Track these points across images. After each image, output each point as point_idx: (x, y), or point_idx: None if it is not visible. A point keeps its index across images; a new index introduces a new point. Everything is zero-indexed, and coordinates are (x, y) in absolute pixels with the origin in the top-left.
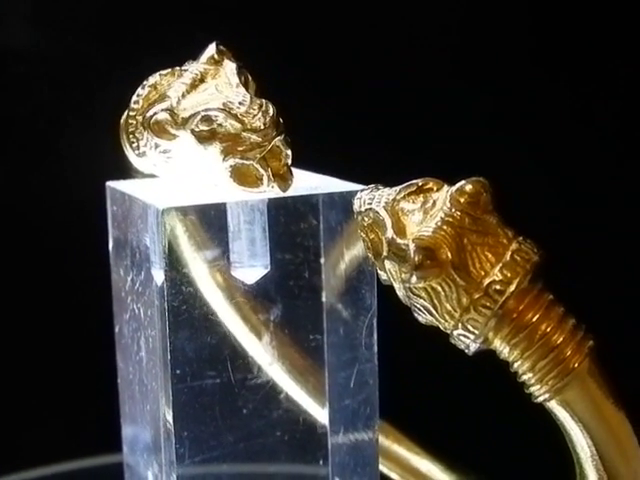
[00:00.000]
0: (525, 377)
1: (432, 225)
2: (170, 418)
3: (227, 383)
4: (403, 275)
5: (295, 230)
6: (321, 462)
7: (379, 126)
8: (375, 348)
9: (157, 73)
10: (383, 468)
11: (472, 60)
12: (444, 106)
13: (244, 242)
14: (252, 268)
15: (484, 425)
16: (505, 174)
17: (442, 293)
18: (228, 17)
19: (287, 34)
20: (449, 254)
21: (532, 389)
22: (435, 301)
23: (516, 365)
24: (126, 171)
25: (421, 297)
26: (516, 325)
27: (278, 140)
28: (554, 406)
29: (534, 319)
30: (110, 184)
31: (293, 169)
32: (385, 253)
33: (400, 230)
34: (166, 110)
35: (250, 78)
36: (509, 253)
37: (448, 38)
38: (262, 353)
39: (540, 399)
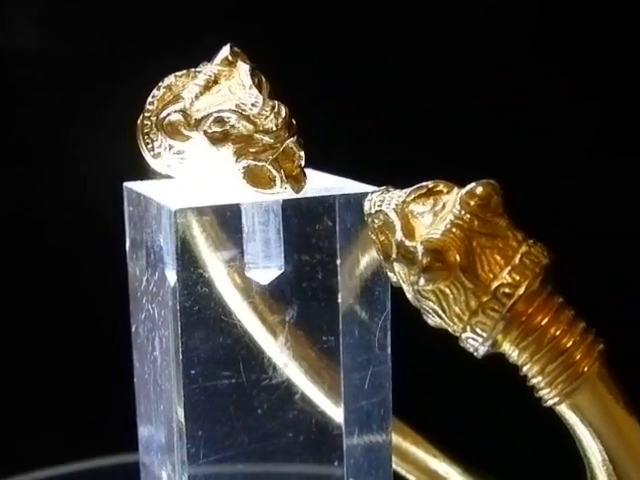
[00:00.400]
0: (534, 381)
1: (441, 228)
2: (182, 418)
3: (241, 383)
4: (412, 277)
5: (311, 231)
6: (336, 463)
7: (392, 127)
8: (389, 349)
9: (172, 74)
10: (401, 470)
11: (485, 60)
12: (458, 107)
13: (258, 243)
14: (266, 269)
15: (501, 427)
16: (517, 176)
17: (450, 296)
18: (242, 19)
19: (301, 36)
20: (457, 257)
21: (541, 393)
22: (444, 304)
23: (525, 369)
24: (144, 172)
25: (430, 300)
26: (525, 328)
27: (291, 141)
28: (564, 410)
29: (543, 322)
30: (127, 185)
31: (308, 170)
32: (394, 255)
33: (409, 232)
34: (179, 111)
35: (264, 80)
36: (518, 256)
37: (460, 36)
38: (277, 354)
39: (550, 403)
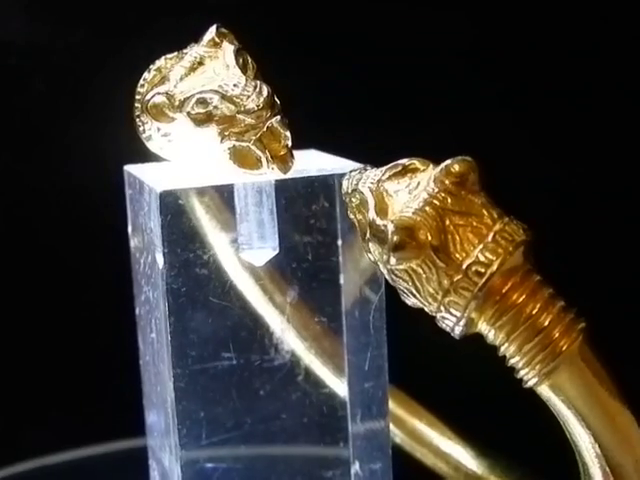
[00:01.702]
0: (513, 361)
1: (414, 206)
2: (173, 400)
3: (241, 365)
4: (384, 257)
5: (311, 212)
6: (341, 444)
7: (386, 107)
8: (385, 331)
9: (163, 57)
10: (416, 453)
11: (475, 44)
12: (447, 84)
13: (252, 224)
14: (260, 250)
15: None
16: (510, 155)
17: (423, 275)
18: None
19: (293, 16)
20: (429, 235)
21: (521, 373)
22: (417, 283)
23: (503, 349)
24: (148, 155)
25: (403, 279)
26: (500, 307)
27: (275, 121)
28: (545, 392)
29: (519, 301)
30: (127, 168)
31: (310, 151)
32: (368, 234)
33: (382, 211)
34: (163, 93)
35: (250, 60)
36: (492, 234)
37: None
38: (279, 335)
39: (530, 384)
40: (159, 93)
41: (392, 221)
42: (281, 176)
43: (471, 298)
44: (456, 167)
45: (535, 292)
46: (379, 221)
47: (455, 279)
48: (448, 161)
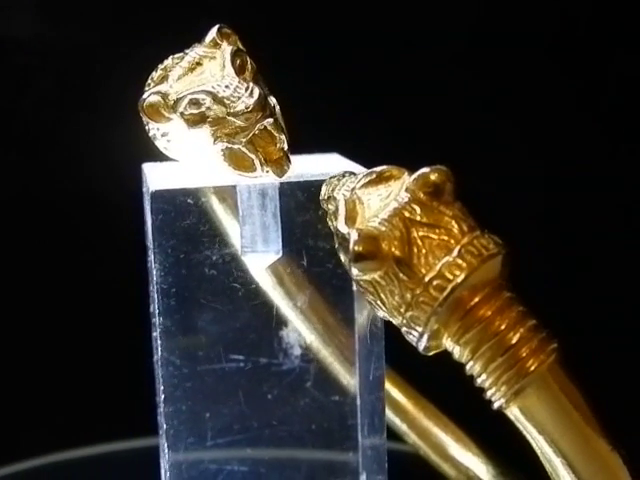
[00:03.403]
0: (479, 380)
1: (381, 216)
2: (162, 401)
3: (245, 368)
4: (348, 267)
5: (316, 216)
6: (350, 454)
7: (389, 113)
8: (383, 341)
9: (171, 56)
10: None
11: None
12: (461, 90)
13: (257, 227)
14: (263, 254)
15: None
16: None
17: (387, 288)
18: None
19: (297, 19)
20: (393, 247)
21: (488, 394)
22: (382, 296)
23: (468, 367)
24: None
25: (368, 291)
26: (465, 323)
27: (267, 124)
28: (513, 414)
29: (485, 317)
30: (145, 166)
31: (334, 155)
32: (336, 243)
33: (351, 219)
34: (158, 93)
35: (250, 61)
36: (458, 248)
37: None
38: (288, 340)
39: (496, 405)
40: (154, 93)
41: (356, 230)
42: (285, 179)
43: (431, 313)
44: (430, 177)
45: (504, 309)
46: (344, 230)
47: (416, 293)
48: (422, 170)
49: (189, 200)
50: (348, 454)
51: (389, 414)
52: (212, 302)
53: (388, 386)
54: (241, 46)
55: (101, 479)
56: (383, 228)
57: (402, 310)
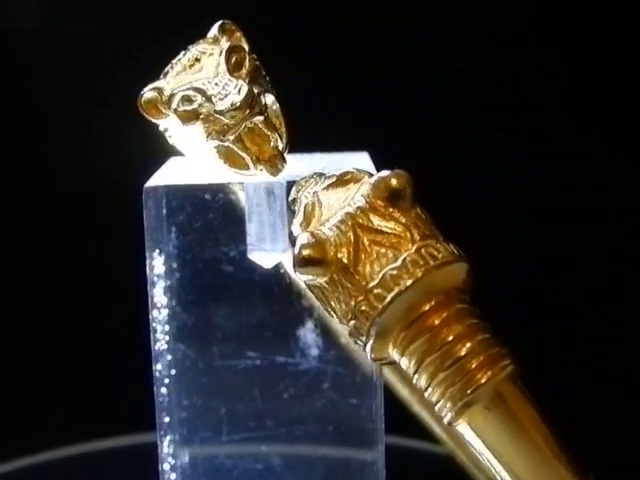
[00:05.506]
0: (427, 394)
1: (333, 220)
2: (158, 395)
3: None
4: None
5: None
6: (369, 458)
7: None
8: None
9: (182, 51)
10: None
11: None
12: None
13: (261, 225)
14: (270, 252)
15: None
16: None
17: (334, 294)
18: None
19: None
20: (340, 253)
21: (436, 408)
22: (332, 302)
23: (415, 378)
24: None
25: (317, 297)
26: (409, 334)
27: (257, 122)
28: (463, 431)
29: (432, 327)
30: (172, 160)
31: (363, 154)
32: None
33: (307, 222)
34: (155, 89)
35: (248, 59)
36: (403, 256)
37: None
38: (305, 341)
39: (445, 420)
40: (152, 89)
41: (304, 234)
42: (294, 177)
43: (371, 323)
44: (387, 182)
45: (453, 319)
46: (296, 232)
47: (358, 300)
48: (380, 174)
49: (181, 196)
50: (366, 456)
51: (430, 422)
52: (227, 298)
53: None
54: (245, 43)
55: (99, 476)
56: (331, 233)
57: (348, 318)
